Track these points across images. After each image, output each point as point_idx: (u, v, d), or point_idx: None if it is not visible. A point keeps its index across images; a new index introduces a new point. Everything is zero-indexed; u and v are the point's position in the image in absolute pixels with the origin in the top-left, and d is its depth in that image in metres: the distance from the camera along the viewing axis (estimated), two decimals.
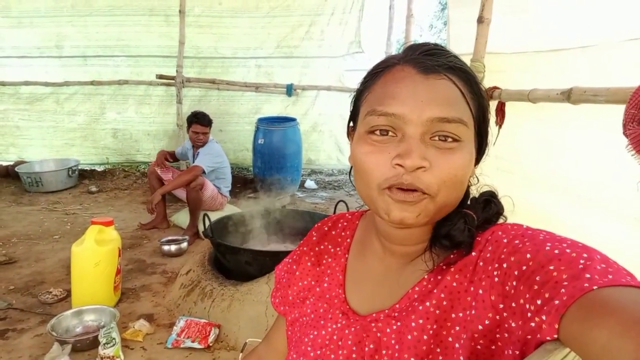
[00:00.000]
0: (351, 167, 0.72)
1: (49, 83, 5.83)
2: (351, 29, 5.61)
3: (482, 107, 0.68)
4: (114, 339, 2.24)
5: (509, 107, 2.25)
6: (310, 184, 5.76)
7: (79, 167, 5.73)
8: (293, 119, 5.31)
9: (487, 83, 2.34)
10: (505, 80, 2.38)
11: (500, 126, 2.19)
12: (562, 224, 2.18)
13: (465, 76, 0.65)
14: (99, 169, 6.13)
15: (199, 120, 4.12)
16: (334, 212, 2.64)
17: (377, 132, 0.65)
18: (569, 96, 1.59)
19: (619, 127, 1.24)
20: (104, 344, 2.22)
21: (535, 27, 2.44)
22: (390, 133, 0.64)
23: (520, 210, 0.69)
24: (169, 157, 4.39)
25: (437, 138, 0.62)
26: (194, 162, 4.10)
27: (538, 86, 1.98)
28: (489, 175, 0.74)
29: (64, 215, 4.53)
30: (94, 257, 2.62)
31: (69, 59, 5.84)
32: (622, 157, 1.60)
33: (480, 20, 2.35)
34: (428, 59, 0.64)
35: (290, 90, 5.67)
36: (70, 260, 2.67)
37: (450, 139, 0.62)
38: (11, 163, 5.78)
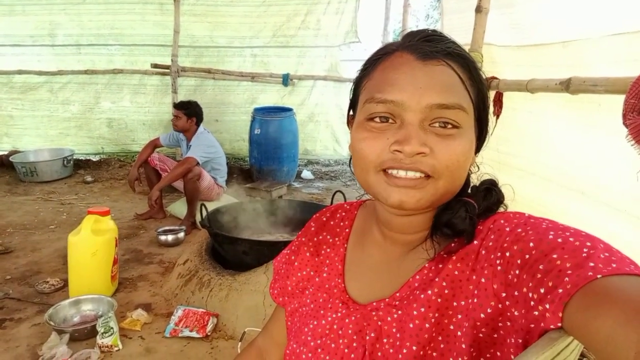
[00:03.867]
0: (351, 157, 0.71)
1: (42, 72, 5.79)
2: (348, 18, 5.57)
3: (481, 93, 0.67)
4: (111, 328, 2.24)
5: (505, 99, 2.26)
6: (306, 174, 5.75)
7: (74, 157, 5.69)
8: (289, 109, 5.29)
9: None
10: (494, 72, 2.39)
11: (497, 116, 2.19)
12: (559, 217, 2.20)
13: (464, 62, 0.65)
14: (94, 158, 6.10)
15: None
16: (331, 203, 2.65)
17: (377, 119, 0.65)
18: (567, 86, 1.59)
19: (616, 119, 1.25)
20: (102, 334, 2.22)
21: (519, 22, 2.45)
22: (389, 120, 0.64)
23: (517, 202, 0.70)
24: (140, 177, 4.28)
25: (436, 125, 0.62)
26: (186, 153, 4.08)
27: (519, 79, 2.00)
28: (492, 166, 0.74)
29: (59, 205, 4.51)
30: (90, 246, 2.61)
31: (62, 47, 5.79)
32: (619, 149, 1.61)
33: (478, 9, 2.34)
34: (426, 45, 0.64)
35: (286, 80, 5.65)
36: (66, 250, 2.67)
37: (449, 126, 0.63)
38: (5, 153, 5.74)
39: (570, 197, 2.12)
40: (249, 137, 5.23)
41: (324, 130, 6.02)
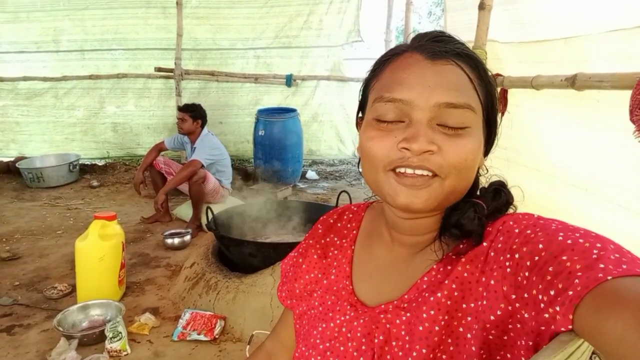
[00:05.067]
0: (359, 159, 0.71)
1: (47, 78, 5.82)
2: (350, 17, 5.57)
3: (490, 94, 0.67)
4: (120, 332, 2.25)
5: (509, 96, 2.25)
6: (311, 174, 5.75)
7: (80, 162, 5.72)
8: (293, 110, 5.29)
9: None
10: (498, 69, 2.38)
11: (502, 114, 2.18)
12: (562, 213, 2.18)
13: (473, 63, 0.65)
14: (100, 163, 6.12)
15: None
16: (337, 203, 2.64)
17: (385, 118, 0.65)
18: (573, 82, 1.58)
19: (617, 116, 1.23)
20: (111, 338, 2.23)
21: (521, 19, 2.44)
22: (398, 119, 0.64)
23: (523, 200, 0.70)
24: (145, 181, 4.26)
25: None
26: (191, 156, 4.09)
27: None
28: (499, 165, 0.74)
29: (66, 211, 4.53)
30: (98, 251, 2.62)
31: (66, 53, 5.82)
32: (620, 146, 1.60)
33: (481, 6, 2.33)
34: (435, 45, 0.64)
35: (289, 80, 5.65)
36: (74, 255, 2.68)
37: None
38: (12, 159, 5.77)
39: (573, 193, 2.11)
40: (253, 138, 5.23)
41: (328, 130, 6.02)
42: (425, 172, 0.62)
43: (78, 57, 5.86)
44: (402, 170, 0.63)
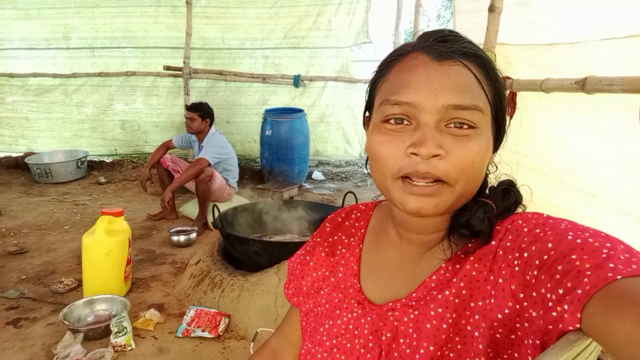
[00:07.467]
0: (367, 159, 0.71)
1: (57, 74, 5.86)
2: (359, 19, 5.57)
3: (498, 93, 0.67)
4: (125, 328, 2.26)
5: (519, 98, 2.25)
6: (317, 175, 5.75)
7: (88, 159, 5.76)
8: (300, 110, 5.29)
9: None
10: (508, 72, 2.37)
11: (511, 117, 2.17)
12: (569, 218, 2.17)
13: (480, 62, 0.64)
14: (108, 160, 6.16)
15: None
16: (342, 203, 2.64)
17: (392, 121, 0.64)
18: (583, 86, 1.57)
19: (630, 123, 1.22)
20: (116, 333, 2.24)
21: (531, 22, 2.43)
22: (405, 122, 0.63)
23: (531, 202, 0.70)
24: (152, 178, 4.25)
25: (452, 125, 0.62)
26: (198, 154, 4.11)
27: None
28: (510, 166, 0.74)
29: (73, 206, 4.56)
30: (104, 247, 2.64)
31: (76, 50, 5.87)
32: (632, 153, 1.59)
33: (491, 9, 2.32)
34: (442, 45, 0.63)
35: (297, 81, 5.65)
36: (80, 250, 2.70)
37: (466, 126, 0.62)
38: (21, 154, 5.82)
39: (580, 198, 2.10)
40: (260, 138, 5.24)
41: (335, 131, 6.02)
42: (433, 182, 0.62)
43: (88, 55, 5.90)
44: (411, 180, 0.63)
